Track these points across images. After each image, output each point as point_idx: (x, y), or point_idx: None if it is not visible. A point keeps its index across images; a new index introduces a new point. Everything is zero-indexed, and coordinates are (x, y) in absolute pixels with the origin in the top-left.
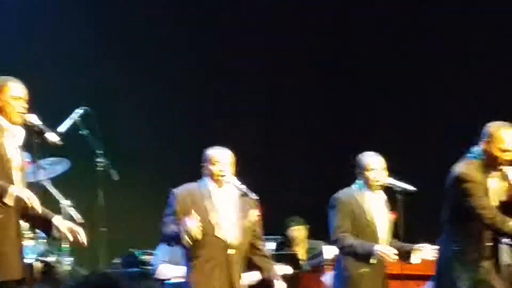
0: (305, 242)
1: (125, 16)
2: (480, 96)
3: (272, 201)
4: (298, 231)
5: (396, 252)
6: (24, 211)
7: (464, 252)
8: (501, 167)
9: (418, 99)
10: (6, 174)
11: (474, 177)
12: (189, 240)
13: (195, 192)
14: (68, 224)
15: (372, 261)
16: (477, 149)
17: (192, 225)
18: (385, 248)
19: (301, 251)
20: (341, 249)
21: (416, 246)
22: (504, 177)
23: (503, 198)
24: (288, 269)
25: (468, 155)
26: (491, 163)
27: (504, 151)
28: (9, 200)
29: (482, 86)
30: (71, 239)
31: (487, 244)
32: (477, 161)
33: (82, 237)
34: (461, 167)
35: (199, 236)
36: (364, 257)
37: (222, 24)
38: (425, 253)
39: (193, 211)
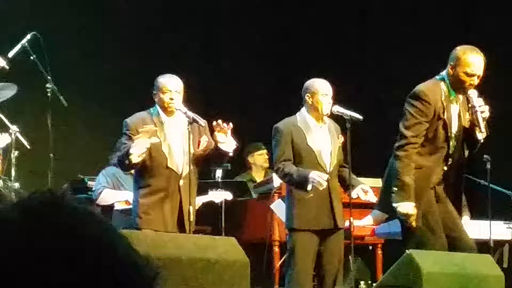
0: (265, 170)
1: None
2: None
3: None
4: (258, 157)
5: (327, 178)
6: None
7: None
8: (466, 90)
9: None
10: None
11: (428, 99)
12: (137, 156)
13: (146, 121)
14: None
15: (308, 188)
16: (444, 71)
17: (142, 143)
18: (318, 174)
19: (260, 178)
20: (282, 178)
21: (359, 186)
22: (468, 101)
23: (466, 124)
24: (228, 195)
25: (436, 77)
26: (456, 86)
27: (470, 75)
28: None
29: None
30: None
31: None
32: (442, 82)
33: None
34: (423, 85)
35: (144, 154)
36: (302, 185)
37: None
38: (362, 194)
39: (148, 126)
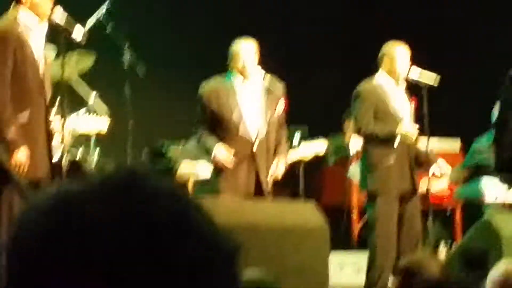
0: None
1: None
2: None
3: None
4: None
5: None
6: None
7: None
8: None
9: None
10: (33, 72)
11: None
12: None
13: (219, 89)
14: None
15: (396, 142)
16: None
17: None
18: (407, 126)
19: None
20: (365, 137)
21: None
22: None
23: None
24: (321, 146)
25: None
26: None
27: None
28: None
29: None
30: None
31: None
32: None
33: None
34: None
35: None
36: (388, 140)
37: None
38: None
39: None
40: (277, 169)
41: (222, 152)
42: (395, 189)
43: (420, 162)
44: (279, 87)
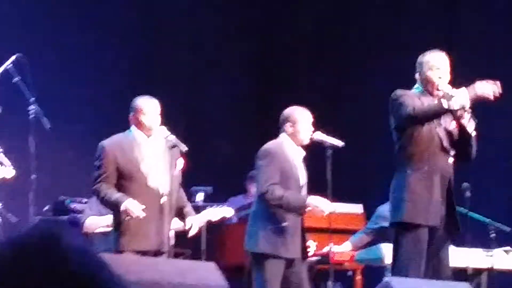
0: None
1: None
2: None
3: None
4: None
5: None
6: None
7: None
8: (440, 90)
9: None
10: None
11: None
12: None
13: (123, 143)
14: None
15: (307, 210)
16: (416, 84)
17: (135, 206)
18: (318, 200)
19: None
20: (272, 200)
21: None
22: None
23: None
24: (229, 211)
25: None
26: (429, 89)
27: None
28: None
29: None
30: None
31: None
32: (418, 93)
33: None
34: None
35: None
36: (297, 208)
37: None
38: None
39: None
40: (192, 228)
41: (132, 202)
42: (284, 251)
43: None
44: (182, 146)
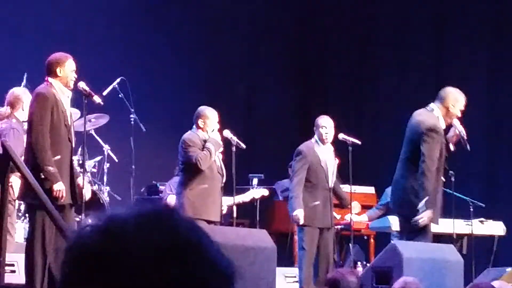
0: None
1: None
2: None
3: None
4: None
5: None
6: None
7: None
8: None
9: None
10: (61, 122)
11: (439, 128)
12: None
13: (195, 139)
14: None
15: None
16: (434, 104)
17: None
18: (301, 215)
19: None
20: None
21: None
22: (454, 128)
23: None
24: (265, 192)
25: (427, 107)
26: (446, 117)
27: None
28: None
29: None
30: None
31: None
32: (434, 114)
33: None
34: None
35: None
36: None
37: None
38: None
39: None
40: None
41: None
42: (317, 222)
43: (342, 204)
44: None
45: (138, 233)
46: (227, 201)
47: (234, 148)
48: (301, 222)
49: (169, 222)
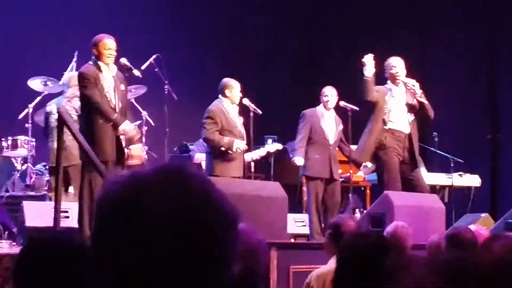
0: None
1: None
2: None
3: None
4: None
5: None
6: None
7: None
8: (398, 80)
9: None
10: (102, 93)
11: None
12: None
13: (221, 112)
14: None
15: None
16: None
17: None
18: (299, 161)
19: None
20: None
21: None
22: (405, 85)
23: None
24: (279, 146)
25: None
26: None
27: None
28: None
29: None
30: None
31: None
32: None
33: None
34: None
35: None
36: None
37: None
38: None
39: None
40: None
41: (239, 142)
42: (319, 175)
43: (347, 157)
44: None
45: (157, 187)
46: (247, 156)
47: (252, 114)
48: (301, 164)
49: (182, 177)
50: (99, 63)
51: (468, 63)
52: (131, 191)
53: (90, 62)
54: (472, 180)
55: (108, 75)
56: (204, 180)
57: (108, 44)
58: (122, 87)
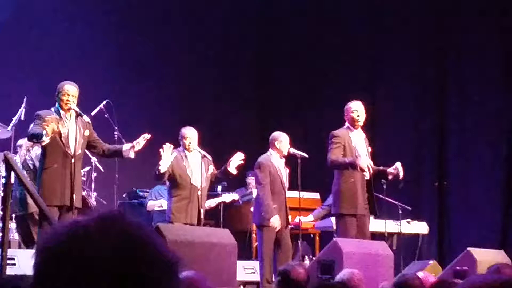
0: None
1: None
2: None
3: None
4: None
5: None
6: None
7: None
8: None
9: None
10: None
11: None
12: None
13: (178, 156)
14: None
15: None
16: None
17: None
18: (277, 222)
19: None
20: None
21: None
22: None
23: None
24: (235, 196)
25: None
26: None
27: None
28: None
29: None
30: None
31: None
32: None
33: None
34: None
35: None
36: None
37: None
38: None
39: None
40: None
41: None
42: (275, 223)
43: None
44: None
45: (95, 237)
46: (207, 204)
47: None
48: (278, 228)
49: (121, 226)
50: (59, 108)
51: (415, 112)
52: (69, 241)
53: (52, 108)
54: (420, 227)
55: (67, 120)
56: (143, 228)
57: (64, 90)
58: (87, 132)
